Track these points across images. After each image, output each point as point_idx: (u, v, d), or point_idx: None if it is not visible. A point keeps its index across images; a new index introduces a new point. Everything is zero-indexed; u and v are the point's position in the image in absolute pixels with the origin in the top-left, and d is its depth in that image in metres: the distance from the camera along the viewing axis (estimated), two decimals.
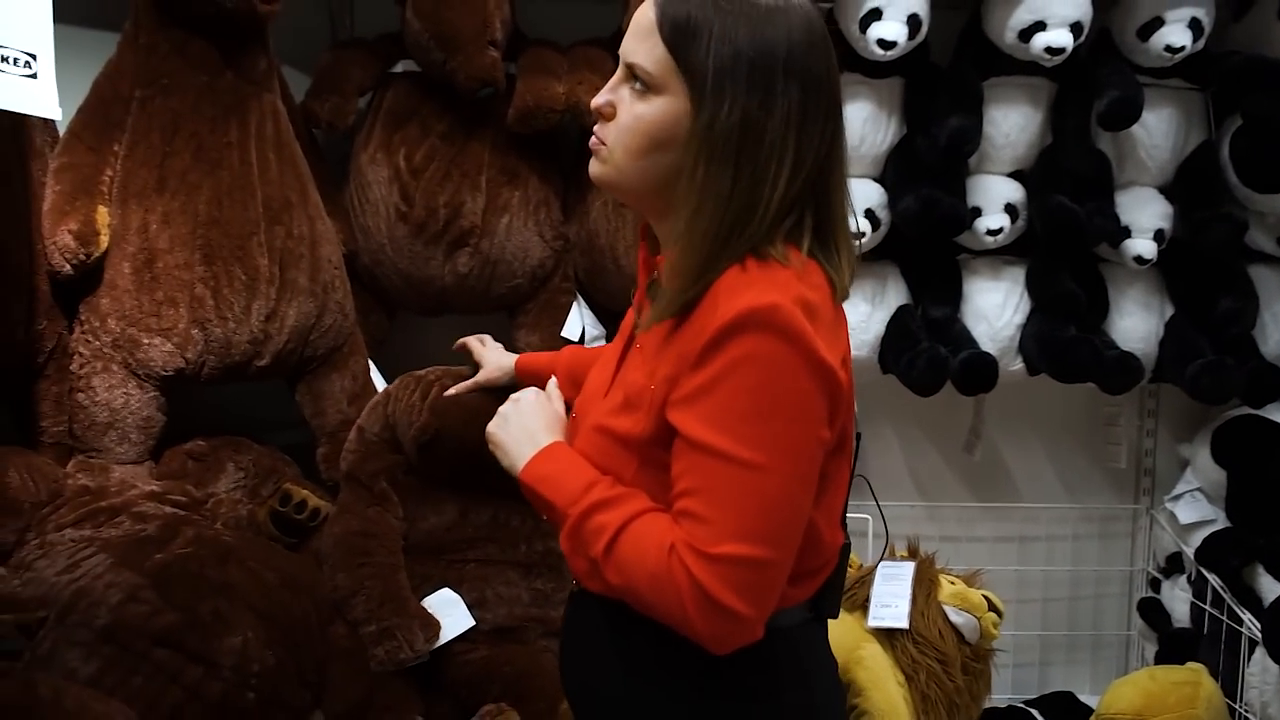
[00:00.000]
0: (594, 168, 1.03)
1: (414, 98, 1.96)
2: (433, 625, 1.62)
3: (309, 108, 1.92)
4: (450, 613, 1.66)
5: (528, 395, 1.15)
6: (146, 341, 1.67)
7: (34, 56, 1.22)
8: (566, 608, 1.17)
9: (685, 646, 0.93)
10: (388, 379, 2.02)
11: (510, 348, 1.84)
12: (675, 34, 0.94)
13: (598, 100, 1.01)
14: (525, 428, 1.10)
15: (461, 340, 1.72)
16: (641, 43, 0.97)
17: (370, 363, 1.98)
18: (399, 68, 1.99)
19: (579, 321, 2.05)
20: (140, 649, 1.41)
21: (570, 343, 2.02)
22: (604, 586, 0.96)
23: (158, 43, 1.69)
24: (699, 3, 0.94)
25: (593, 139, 1.03)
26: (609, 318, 2.09)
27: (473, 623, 1.66)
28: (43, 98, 1.24)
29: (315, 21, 2.11)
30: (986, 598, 1.69)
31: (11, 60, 1.18)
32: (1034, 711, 2.17)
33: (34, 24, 1.23)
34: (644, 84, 0.96)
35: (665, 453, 0.94)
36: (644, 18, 0.97)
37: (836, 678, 1.13)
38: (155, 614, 1.43)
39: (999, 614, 1.70)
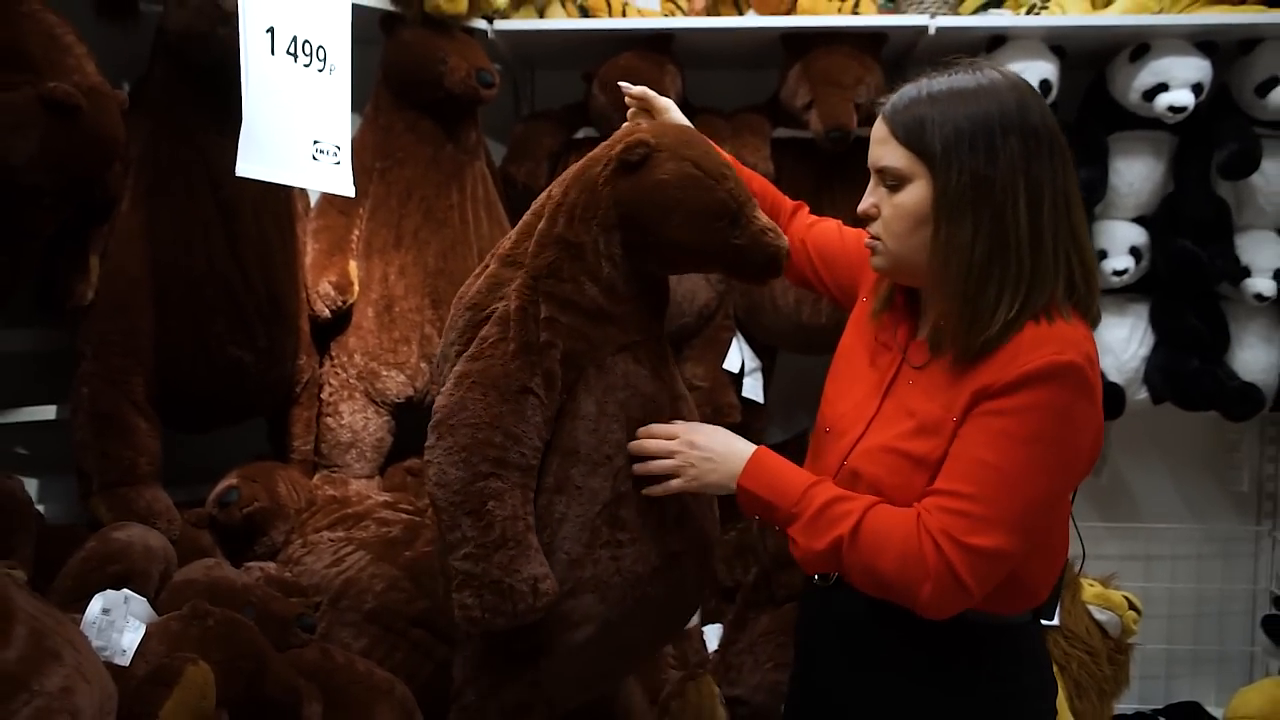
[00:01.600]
0: (874, 261, 1.27)
1: None
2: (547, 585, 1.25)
3: (508, 172, 2.23)
4: None
5: (700, 427, 1.31)
6: (385, 374, 1.98)
7: (339, 147, 1.54)
8: (805, 607, 1.37)
9: (945, 639, 1.17)
10: None
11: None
12: (908, 133, 1.18)
13: (864, 206, 1.24)
14: (723, 444, 1.28)
15: (632, 88, 1.48)
16: (883, 149, 1.21)
17: None
18: (580, 134, 2.28)
19: (738, 355, 2.29)
20: (400, 629, 1.69)
21: (732, 375, 2.26)
22: (831, 565, 1.17)
23: (393, 122, 2.01)
24: (921, 101, 1.18)
25: (867, 239, 1.27)
26: (764, 351, 2.33)
27: None
28: (345, 179, 1.55)
29: (503, 96, 2.41)
30: (1126, 597, 1.87)
31: (327, 152, 1.50)
32: (1161, 719, 2.31)
33: (339, 121, 1.54)
34: (895, 180, 1.20)
35: None
36: (880, 130, 1.22)
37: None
38: (411, 601, 1.71)
39: (1138, 612, 1.88)
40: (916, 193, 1.18)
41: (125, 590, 1.35)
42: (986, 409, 1.11)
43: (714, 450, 1.28)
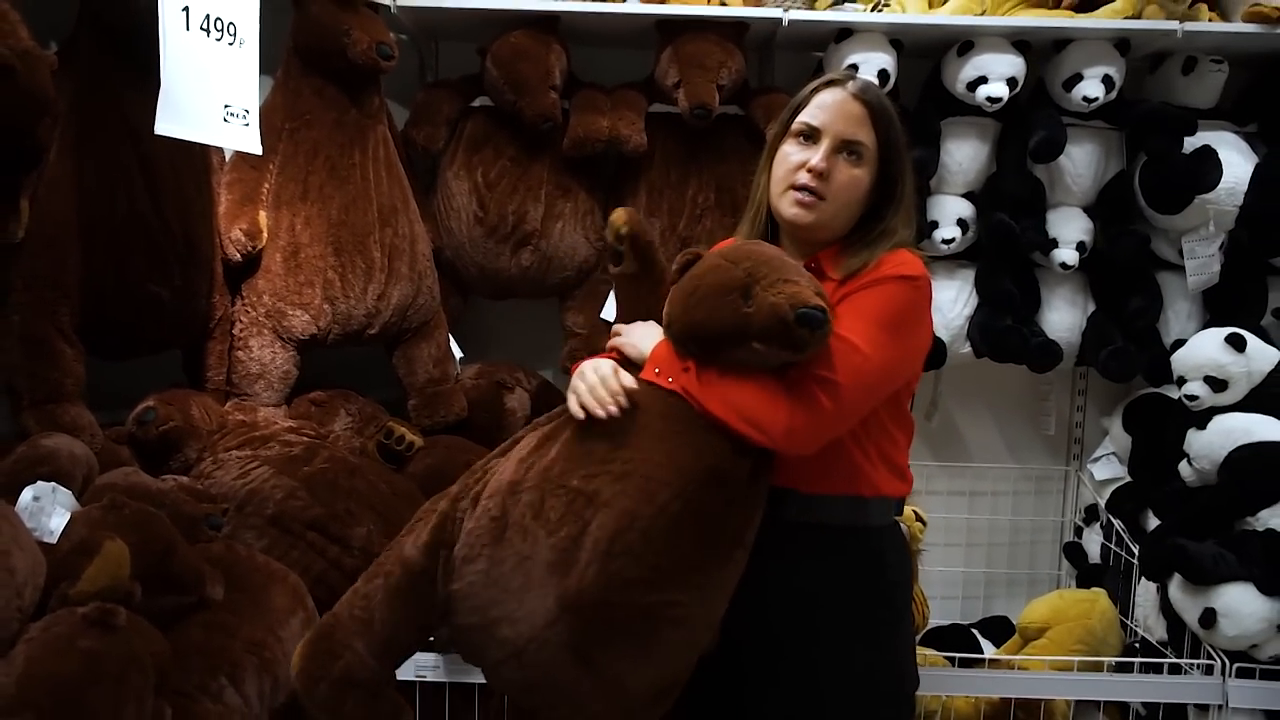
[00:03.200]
0: (805, 214, 1.51)
1: (489, 127, 2.49)
2: None
3: (409, 135, 2.46)
4: None
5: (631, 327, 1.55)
6: (290, 313, 2.21)
7: (248, 110, 1.77)
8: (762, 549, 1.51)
9: (851, 538, 1.51)
10: (463, 348, 2.56)
11: (558, 326, 2.38)
12: (881, 123, 1.52)
13: (820, 165, 1.49)
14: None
15: None
16: (859, 128, 1.51)
17: (449, 335, 2.52)
18: (477, 103, 2.52)
19: (614, 306, 2.57)
20: (297, 531, 1.95)
21: (608, 323, 2.54)
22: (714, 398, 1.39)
23: (301, 88, 2.23)
24: (884, 100, 1.54)
25: (809, 196, 1.50)
26: None
27: None
28: (253, 139, 1.79)
29: (408, 65, 2.64)
30: (914, 511, 2.20)
31: (237, 115, 1.73)
32: (974, 630, 2.67)
33: (248, 88, 1.77)
34: (859, 155, 1.50)
35: None
36: (859, 111, 1.51)
37: None
38: (307, 508, 1.97)
39: (923, 523, 2.22)
40: (868, 173, 1.52)
41: (53, 483, 1.59)
42: (853, 296, 1.45)
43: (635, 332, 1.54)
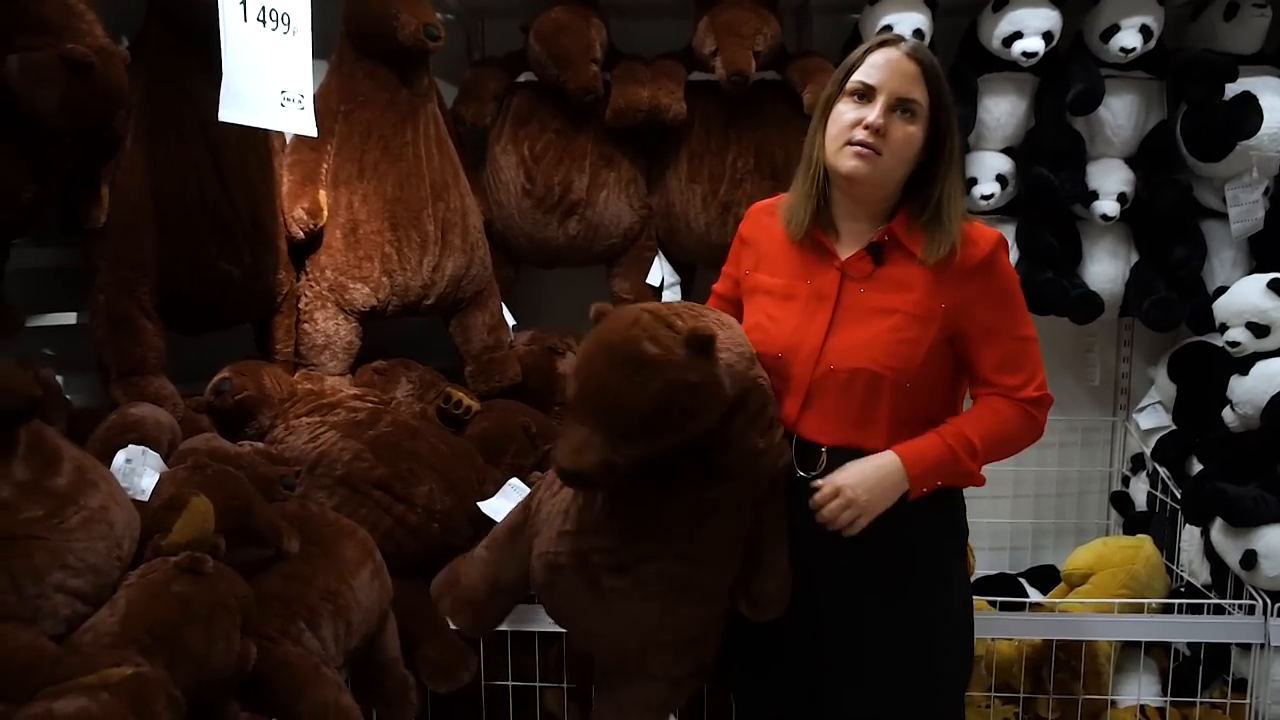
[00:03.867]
0: (863, 166, 1.55)
1: (534, 101, 2.58)
2: None
3: (457, 112, 2.56)
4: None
5: (842, 475, 1.57)
6: (352, 286, 2.34)
7: (303, 95, 1.88)
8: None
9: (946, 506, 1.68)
10: (515, 316, 2.66)
11: (607, 293, 2.47)
12: (933, 80, 1.58)
13: (877, 121, 1.54)
14: (870, 475, 1.56)
15: None
16: (913, 86, 1.57)
17: (502, 303, 2.62)
18: (522, 78, 2.60)
19: (659, 272, 2.65)
20: (364, 490, 2.08)
21: (653, 288, 2.63)
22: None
23: (355, 71, 2.34)
24: (933, 58, 1.59)
25: (867, 150, 1.55)
26: (682, 268, 2.69)
27: None
28: (309, 123, 1.90)
29: (456, 44, 2.73)
30: None
31: (293, 100, 1.84)
32: (1021, 579, 2.72)
33: (302, 74, 1.88)
34: (913, 113, 1.56)
35: (947, 344, 1.62)
36: (912, 70, 1.57)
37: None
38: (373, 468, 2.10)
39: None
40: (922, 130, 1.57)
41: (143, 446, 1.73)
42: (987, 296, 1.59)
43: (867, 485, 1.56)
